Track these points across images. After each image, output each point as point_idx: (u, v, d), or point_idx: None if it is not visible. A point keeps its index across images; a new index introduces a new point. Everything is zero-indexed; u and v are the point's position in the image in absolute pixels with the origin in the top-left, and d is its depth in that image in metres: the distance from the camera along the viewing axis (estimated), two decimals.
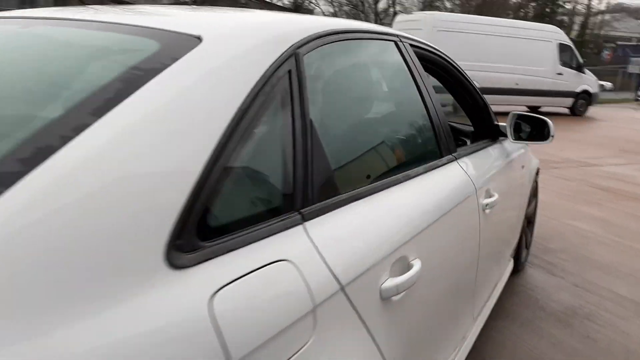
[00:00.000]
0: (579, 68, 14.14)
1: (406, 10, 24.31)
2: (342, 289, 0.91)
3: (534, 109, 14.67)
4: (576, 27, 36.10)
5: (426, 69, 2.02)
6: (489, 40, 12.39)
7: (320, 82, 1.16)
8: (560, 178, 6.05)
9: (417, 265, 1.16)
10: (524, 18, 31.74)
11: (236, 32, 1.00)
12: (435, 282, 1.33)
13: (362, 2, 35.32)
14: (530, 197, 3.07)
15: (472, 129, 2.49)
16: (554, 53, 13.55)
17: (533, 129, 2.41)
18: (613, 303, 2.82)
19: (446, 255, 1.41)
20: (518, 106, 13.96)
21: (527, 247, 3.32)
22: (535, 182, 3.23)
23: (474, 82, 2.26)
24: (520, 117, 2.37)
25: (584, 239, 3.88)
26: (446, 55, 2.03)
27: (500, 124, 2.38)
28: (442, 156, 1.61)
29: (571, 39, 15.84)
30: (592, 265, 3.36)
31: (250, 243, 0.80)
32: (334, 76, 1.26)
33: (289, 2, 35.11)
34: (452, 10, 32.91)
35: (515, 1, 39.26)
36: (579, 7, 37.71)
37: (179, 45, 0.91)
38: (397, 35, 1.61)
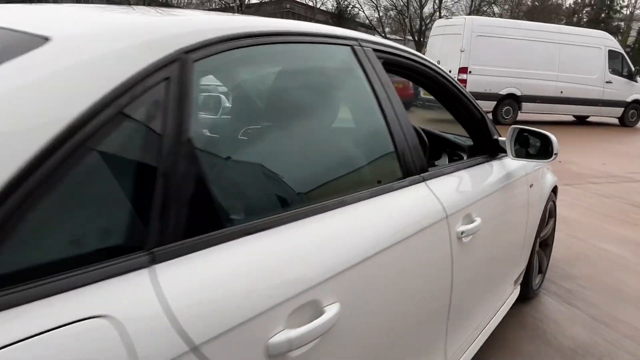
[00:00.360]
0: (631, 76, 13.36)
1: (452, 16, 23.84)
2: (195, 349, 0.74)
3: (580, 118, 14.01)
4: (634, 33, 34.46)
5: (410, 79, 1.83)
6: (532, 46, 11.89)
7: (222, 92, 0.99)
8: (597, 194, 5.64)
9: (331, 311, 0.97)
10: (578, 24, 30.56)
11: (96, 34, 0.85)
12: (369, 329, 1.13)
13: (407, 7, 34.95)
14: (544, 218, 2.79)
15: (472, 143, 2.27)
16: (602, 60, 12.86)
17: (541, 145, 2.17)
18: (635, 342, 2.51)
19: (389, 295, 1.20)
20: (563, 115, 13.36)
21: (542, 271, 3.03)
22: (552, 201, 2.94)
23: (468, 93, 2.03)
24: (522, 132, 2.12)
25: (611, 265, 3.53)
26: (431, 63, 1.82)
27: (500, 138, 2.15)
28: (404, 177, 1.41)
29: (628, 46, 14.97)
30: (617, 296, 3.03)
31: (51, 295, 0.64)
32: (247, 85, 1.09)
33: (332, 6, 35.19)
34: (500, 16, 32.09)
35: (568, 6, 37.94)
36: (637, 12, 36.04)
37: (15, 47, 0.77)
38: (355, 40, 1.42)
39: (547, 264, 3.12)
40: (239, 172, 1.05)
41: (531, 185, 2.41)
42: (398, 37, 36.33)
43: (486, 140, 2.13)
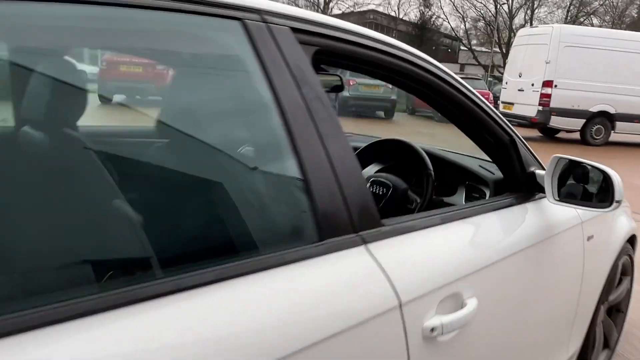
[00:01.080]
0: None
1: None
2: None
3: None
4: None
5: (385, 80, 1.27)
6: (630, 58, 10.57)
7: None
8: None
9: None
10: None
11: None
12: None
13: (496, 18, 33.29)
14: (614, 278, 2.07)
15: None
16: None
17: (602, 183, 1.50)
18: None
19: None
20: None
21: (610, 347, 2.28)
22: (628, 255, 2.20)
23: (487, 105, 1.41)
24: (573, 165, 1.47)
25: None
26: (418, 58, 1.23)
27: (538, 171, 1.50)
28: (322, 238, 0.84)
29: None
30: None
31: None
32: None
33: (416, 17, 34.26)
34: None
35: None
36: None
37: None
38: (254, 11, 0.88)
39: (619, 337, 2.35)
40: None
41: (590, 237, 1.72)
42: (484, 49, 34.84)
43: (517, 173, 1.50)
